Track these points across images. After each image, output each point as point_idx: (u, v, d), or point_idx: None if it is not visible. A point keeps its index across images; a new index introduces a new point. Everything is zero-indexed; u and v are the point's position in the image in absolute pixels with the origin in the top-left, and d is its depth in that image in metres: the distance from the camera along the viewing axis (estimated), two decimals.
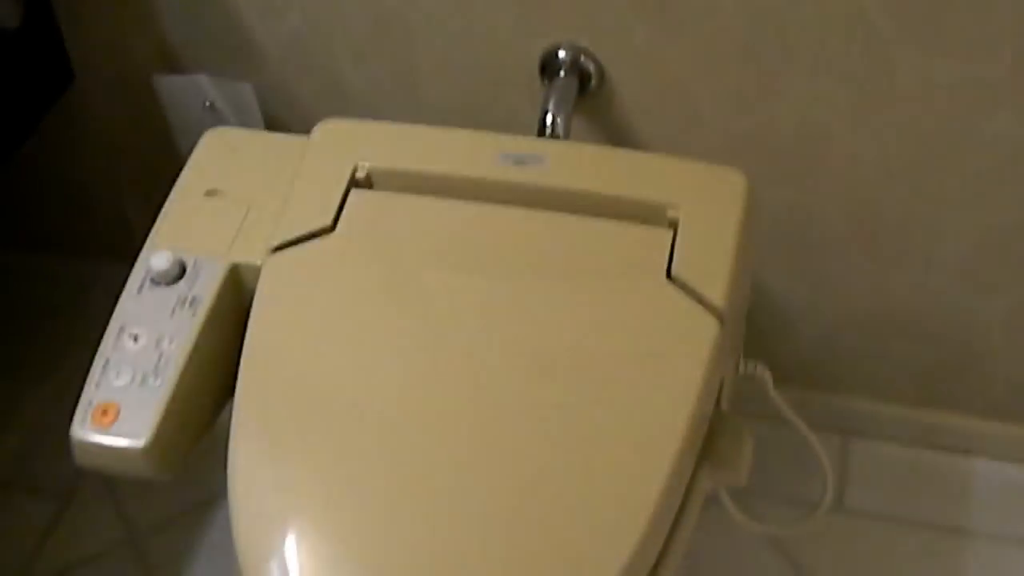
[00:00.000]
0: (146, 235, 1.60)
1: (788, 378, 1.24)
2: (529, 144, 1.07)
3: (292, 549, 0.85)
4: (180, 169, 1.50)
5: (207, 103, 1.40)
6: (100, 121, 1.50)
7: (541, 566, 0.85)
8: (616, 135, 1.27)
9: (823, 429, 1.45)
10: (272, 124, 1.39)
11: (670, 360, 0.92)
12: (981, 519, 1.45)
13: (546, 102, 1.20)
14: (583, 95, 1.24)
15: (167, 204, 1.08)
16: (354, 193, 1.04)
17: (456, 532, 0.86)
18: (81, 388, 1.43)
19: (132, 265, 1.60)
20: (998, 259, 1.30)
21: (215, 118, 1.41)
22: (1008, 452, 1.49)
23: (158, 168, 1.51)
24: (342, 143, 1.08)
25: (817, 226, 1.31)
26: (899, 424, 1.50)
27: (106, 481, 1.51)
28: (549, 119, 1.18)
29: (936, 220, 1.28)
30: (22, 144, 1.36)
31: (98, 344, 1.01)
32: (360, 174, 1.06)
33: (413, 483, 0.89)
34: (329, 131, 1.10)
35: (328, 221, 1.02)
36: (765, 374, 1.07)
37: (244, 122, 1.38)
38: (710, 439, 0.97)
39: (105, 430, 0.94)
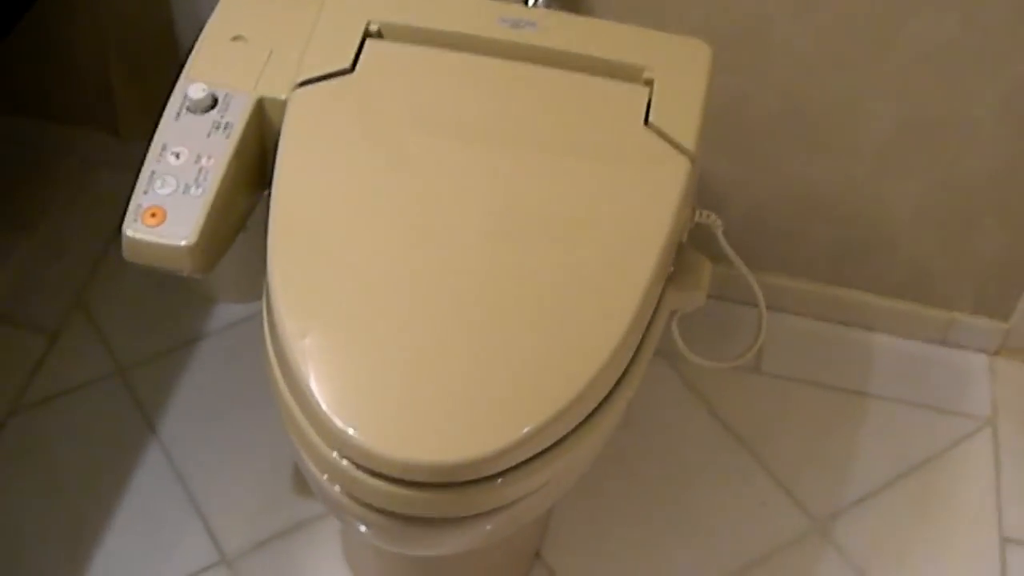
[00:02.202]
0: (127, 102, 1.71)
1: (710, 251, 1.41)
2: (524, 11, 1.21)
3: (322, 333, 1.00)
4: (170, 37, 1.61)
5: None
6: None
7: (540, 353, 1.00)
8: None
9: (742, 302, 1.63)
10: None
11: (650, 192, 1.08)
12: (878, 384, 1.65)
13: None
14: None
15: (196, 46, 1.20)
16: (370, 42, 1.18)
17: (460, 336, 1.01)
18: (61, 241, 1.55)
19: (110, 132, 1.70)
20: (912, 149, 1.47)
21: None
22: (906, 329, 1.68)
23: (148, 39, 1.61)
24: (357, 1, 1.22)
25: (753, 110, 1.47)
26: (811, 299, 1.68)
27: (93, 318, 1.63)
28: (530, 1, 1.32)
29: (860, 109, 1.44)
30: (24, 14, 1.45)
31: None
32: (373, 28, 1.19)
33: (416, 297, 1.03)
34: None
35: (348, 63, 1.16)
36: (716, 221, 1.23)
37: None
38: (676, 265, 1.13)
39: (154, 229, 1.07)
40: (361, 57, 1.16)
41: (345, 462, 0.96)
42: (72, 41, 1.66)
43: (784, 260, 1.64)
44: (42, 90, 1.75)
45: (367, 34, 1.19)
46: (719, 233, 1.23)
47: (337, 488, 0.99)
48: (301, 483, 1.45)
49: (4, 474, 1.48)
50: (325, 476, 0.99)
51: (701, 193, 1.54)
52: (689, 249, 1.14)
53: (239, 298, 1.63)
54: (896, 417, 1.61)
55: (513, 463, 0.96)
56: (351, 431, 0.94)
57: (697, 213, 1.21)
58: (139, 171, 1.11)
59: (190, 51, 1.20)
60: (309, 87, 1.14)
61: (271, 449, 1.49)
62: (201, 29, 1.22)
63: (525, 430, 0.95)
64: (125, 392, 1.56)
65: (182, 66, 1.19)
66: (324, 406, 0.95)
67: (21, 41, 1.63)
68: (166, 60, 1.65)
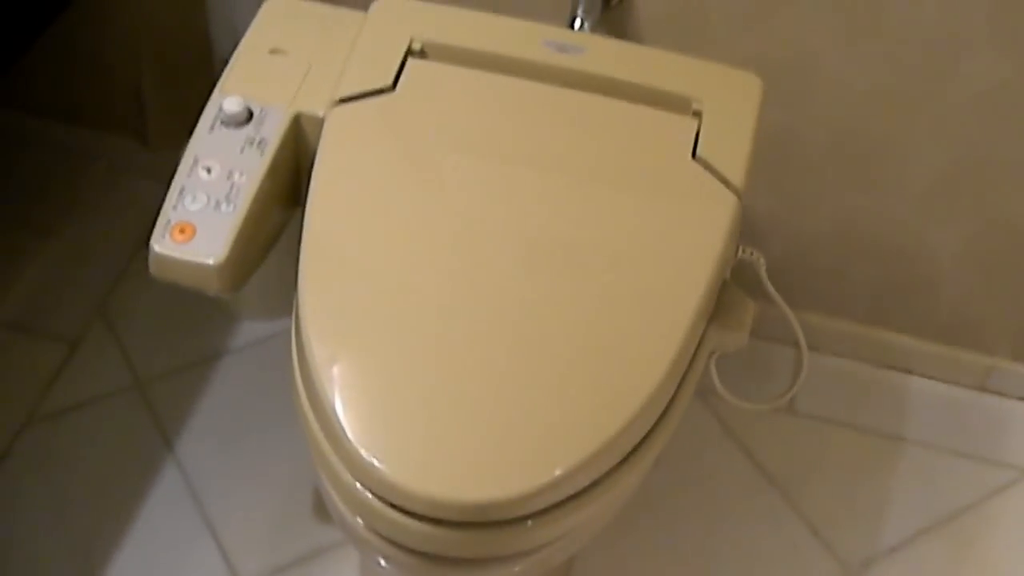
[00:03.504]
0: (157, 112, 1.69)
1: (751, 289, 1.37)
2: (571, 35, 1.19)
3: (352, 360, 0.96)
4: (205, 47, 1.58)
5: None
6: None
7: (577, 391, 0.97)
8: None
9: (780, 341, 1.60)
10: None
11: (696, 228, 1.05)
12: (915, 429, 1.60)
13: (575, 9, 1.30)
14: (607, 7, 1.34)
15: (233, 58, 1.17)
16: (412, 61, 1.15)
17: (493, 369, 0.97)
18: (85, 248, 1.52)
19: (138, 140, 1.68)
20: (960, 191, 1.43)
21: None
22: (945, 373, 1.63)
23: (182, 45, 1.59)
24: (400, 17, 1.19)
25: (798, 144, 1.44)
26: (849, 340, 1.64)
27: (113, 329, 1.59)
28: (577, 24, 1.29)
29: (908, 147, 1.41)
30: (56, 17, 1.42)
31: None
32: (416, 46, 1.16)
33: (450, 324, 1.00)
34: (387, 6, 1.20)
35: (388, 81, 1.13)
36: (759, 259, 1.19)
37: None
38: (717, 304, 1.09)
39: (182, 246, 1.04)
40: (402, 76, 1.13)
41: (368, 494, 0.93)
42: (104, 47, 1.64)
43: (823, 298, 1.60)
44: (72, 94, 1.73)
45: (410, 52, 1.15)
46: (762, 271, 1.20)
47: (359, 520, 0.95)
48: (320, 508, 1.41)
49: (18, 484, 1.45)
50: (347, 507, 0.96)
51: (743, 225, 1.51)
52: (732, 288, 1.10)
53: (264, 315, 1.60)
54: (933, 464, 1.57)
55: (544, 506, 0.92)
56: (375, 462, 0.91)
57: (740, 250, 1.17)
58: (169, 182, 1.08)
59: (225, 61, 1.17)
60: (348, 105, 1.11)
61: (290, 471, 1.46)
62: (237, 39, 1.19)
63: (557, 472, 0.92)
64: (143, 406, 1.53)
65: (216, 76, 1.16)
66: (350, 435, 0.92)
67: (53, 44, 1.61)
68: (200, 69, 1.63)
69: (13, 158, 1.77)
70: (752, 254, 1.18)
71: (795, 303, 1.58)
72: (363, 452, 0.91)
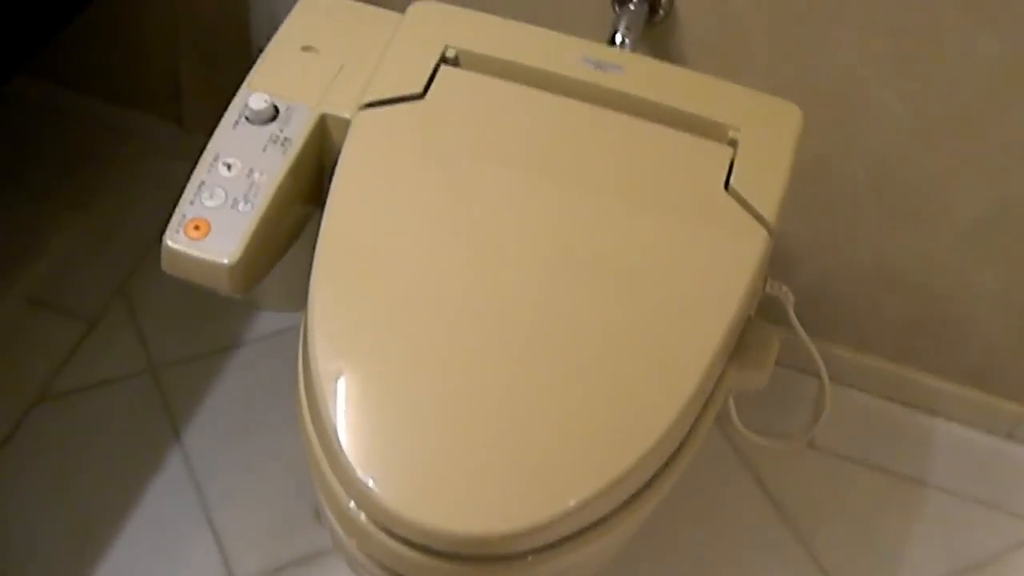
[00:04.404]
0: (194, 95, 1.68)
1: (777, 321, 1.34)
2: (610, 52, 1.15)
3: (359, 375, 0.94)
4: (243, 34, 1.56)
5: None
6: None
7: (587, 425, 0.93)
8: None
9: (804, 371, 1.56)
10: None
11: (722, 262, 1.01)
12: (939, 474, 1.56)
13: (617, 23, 1.27)
14: (649, 23, 1.32)
15: (264, 53, 1.15)
16: (444, 69, 1.12)
17: (501, 391, 0.94)
18: (112, 227, 1.51)
19: (174, 121, 1.67)
20: (1000, 233, 1.39)
21: None
22: (971, 418, 1.59)
23: (222, 31, 1.57)
24: (435, 23, 1.16)
25: (835, 174, 1.40)
26: (876, 376, 1.60)
27: (132, 311, 1.58)
28: (619, 39, 1.26)
29: (950, 186, 1.37)
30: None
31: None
32: (450, 53, 1.13)
33: (464, 342, 0.97)
34: (424, 10, 1.17)
35: (419, 88, 1.10)
36: (788, 295, 1.16)
37: None
38: (740, 341, 1.06)
39: (196, 243, 1.02)
40: (434, 83, 1.10)
41: (363, 515, 0.90)
42: (146, 28, 1.63)
43: (851, 333, 1.56)
44: (113, 72, 1.72)
45: (443, 59, 1.12)
46: (790, 308, 1.16)
47: (353, 542, 0.92)
48: None
49: (23, 460, 1.43)
50: (341, 526, 0.93)
51: (772, 254, 1.48)
52: (757, 324, 1.07)
53: (284, 307, 1.58)
54: (953, 511, 1.53)
55: (545, 542, 0.90)
56: (370, 483, 0.88)
57: (768, 284, 1.14)
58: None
59: (261, 51, 1.14)
60: (375, 109, 1.08)
61: (297, 470, 1.43)
62: (275, 29, 1.17)
63: (561, 507, 0.89)
64: (154, 392, 1.51)
65: (252, 65, 1.13)
66: (347, 452, 0.90)
67: (93, 21, 1.59)
68: (238, 56, 1.61)
69: (51, 130, 1.76)
70: (781, 289, 1.15)
71: (822, 334, 1.55)
72: (359, 472, 0.89)
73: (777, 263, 1.49)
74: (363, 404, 0.92)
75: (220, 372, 1.55)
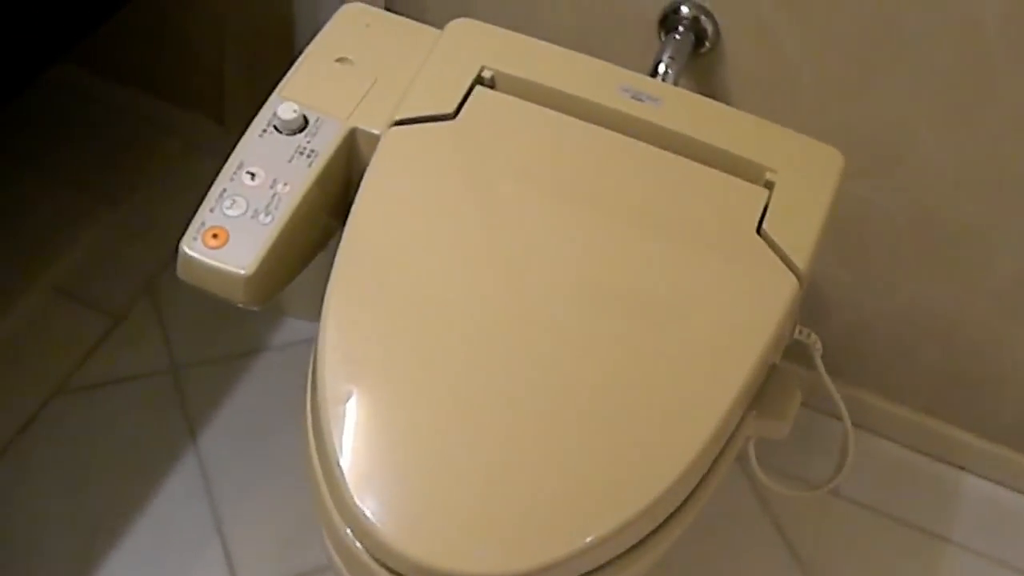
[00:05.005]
0: (237, 95, 1.67)
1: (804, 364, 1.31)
2: (649, 83, 1.12)
3: (367, 400, 0.92)
4: (288, 38, 1.55)
5: None
6: None
7: (597, 464, 0.91)
8: (716, 99, 1.32)
9: (831, 415, 1.53)
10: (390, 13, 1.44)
11: (748, 308, 0.99)
12: (964, 532, 1.52)
13: (661, 52, 1.25)
14: (695, 54, 1.29)
15: (298, 62, 1.13)
16: (478, 90, 1.10)
17: (510, 424, 0.92)
18: (146, 222, 1.50)
19: (215, 120, 1.66)
20: None
21: None
22: (1002, 476, 1.55)
23: (267, 33, 1.56)
24: (473, 42, 1.14)
25: (876, 220, 1.37)
26: (904, 427, 1.56)
27: (158, 309, 1.57)
28: (662, 68, 1.23)
29: (993, 240, 1.33)
30: None
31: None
32: (486, 74, 1.11)
33: (479, 371, 0.95)
34: (463, 28, 1.15)
35: (451, 108, 1.08)
36: (816, 343, 1.13)
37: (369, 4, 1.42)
38: (761, 390, 1.03)
39: (213, 251, 1.00)
40: (467, 104, 1.08)
41: (359, 545, 0.88)
42: (188, 25, 1.62)
43: (883, 381, 1.53)
44: (156, 68, 1.72)
45: (479, 80, 1.10)
46: (817, 357, 1.13)
47: (348, 572, 0.90)
48: None
49: (38, 452, 1.43)
50: (336, 553, 0.91)
51: (808, 293, 1.44)
52: (781, 373, 1.04)
53: (311, 315, 1.56)
54: (976, 571, 1.49)
55: None
56: (368, 513, 0.86)
57: (797, 330, 1.11)
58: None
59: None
60: (406, 127, 1.06)
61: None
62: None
63: (567, 550, 0.86)
64: (174, 392, 1.50)
65: None
66: (347, 479, 0.88)
67: (141, 17, 1.60)
68: (281, 59, 1.59)
69: (92, 121, 1.76)
70: (809, 336, 1.12)
71: (854, 379, 1.52)
72: (356, 500, 0.87)
73: (813, 305, 1.47)
74: (368, 430, 0.90)
75: (242, 377, 1.53)
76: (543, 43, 1.14)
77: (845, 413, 1.22)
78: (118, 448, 1.44)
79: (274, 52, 1.62)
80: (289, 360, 1.56)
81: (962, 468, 1.57)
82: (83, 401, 1.48)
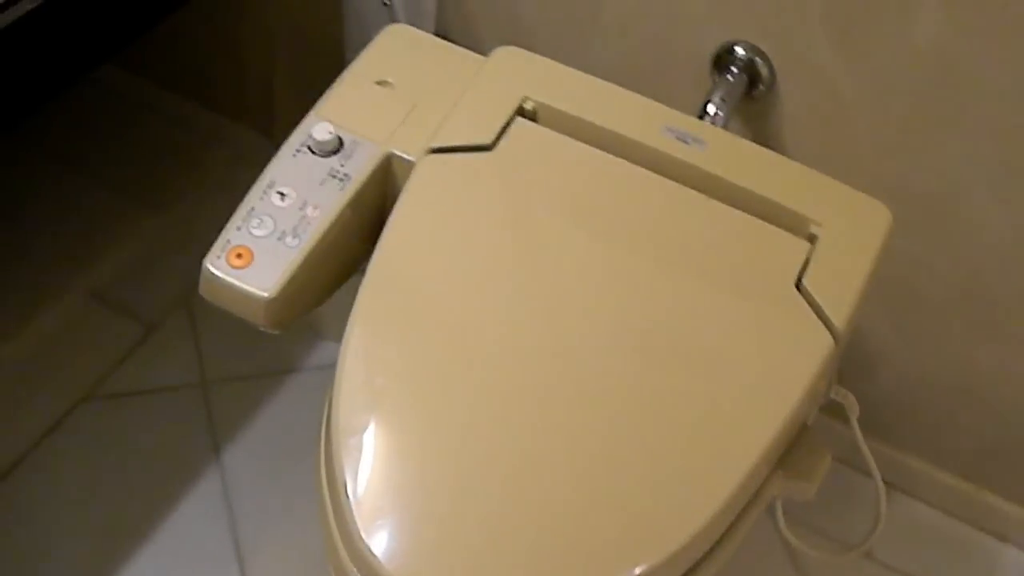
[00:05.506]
0: (286, 109, 1.66)
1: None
2: (695, 125, 1.09)
3: (380, 433, 0.89)
4: (338, 54, 1.54)
5: (387, 1, 1.43)
6: None
7: (607, 522, 0.88)
8: (766, 143, 1.29)
9: (865, 473, 1.48)
10: (439, 37, 1.42)
11: (779, 365, 0.95)
12: None
13: (713, 92, 1.22)
14: (747, 96, 1.26)
15: (337, 82, 1.11)
16: (518, 122, 1.07)
17: (528, 466, 0.89)
18: (188, 232, 1.49)
19: (264, 133, 1.65)
20: None
21: (389, 16, 1.44)
22: None
23: (317, 49, 1.55)
24: (517, 71, 1.11)
25: (926, 280, 1.33)
26: (945, 492, 1.52)
27: (193, 321, 1.55)
28: (711, 109, 1.20)
29: None
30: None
31: (231, 193, 1.03)
32: (528, 105, 1.08)
33: (500, 408, 0.92)
34: (508, 56, 1.13)
35: (489, 139, 1.05)
36: (853, 404, 1.09)
37: (417, 27, 1.40)
38: (790, 449, 0.99)
39: (236, 271, 0.98)
40: (505, 136, 1.06)
41: None
42: (241, 37, 1.61)
43: (924, 444, 1.49)
44: (207, 77, 1.71)
45: (520, 111, 1.08)
46: (853, 418, 1.09)
47: None
48: None
49: (59, 458, 1.41)
50: None
51: (849, 352, 1.41)
52: (812, 433, 1.00)
53: None
54: None
55: None
56: (379, 554, 0.84)
57: (833, 390, 1.07)
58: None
59: None
60: (441, 155, 1.04)
61: None
62: None
63: None
64: (202, 407, 1.49)
65: None
66: (355, 513, 0.85)
67: (194, 25, 1.59)
68: (331, 74, 1.58)
69: (140, 126, 1.75)
70: (847, 397, 1.08)
71: (894, 440, 1.49)
72: (363, 535, 0.84)
73: (857, 361, 1.43)
74: (380, 465, 0.87)
75: (273, 396, 1.51)
76: (588, 76, 1.11)
77: (877, 475, 1.18)
78: (140, 459, 1.43)
79: (324, 68, 1.60)
80: (322, 383, 1.53)
81: (1003, 538, 1.52)
82: (109, 409, 1.47)
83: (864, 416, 1.37)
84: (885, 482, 1.48)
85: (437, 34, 1.39)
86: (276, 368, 1.54)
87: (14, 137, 1.66)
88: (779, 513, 1.15)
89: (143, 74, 1.75)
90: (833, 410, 1.15)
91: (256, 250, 0.99)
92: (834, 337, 0.96)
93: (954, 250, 1.28)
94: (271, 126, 1.70)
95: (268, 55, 1.61)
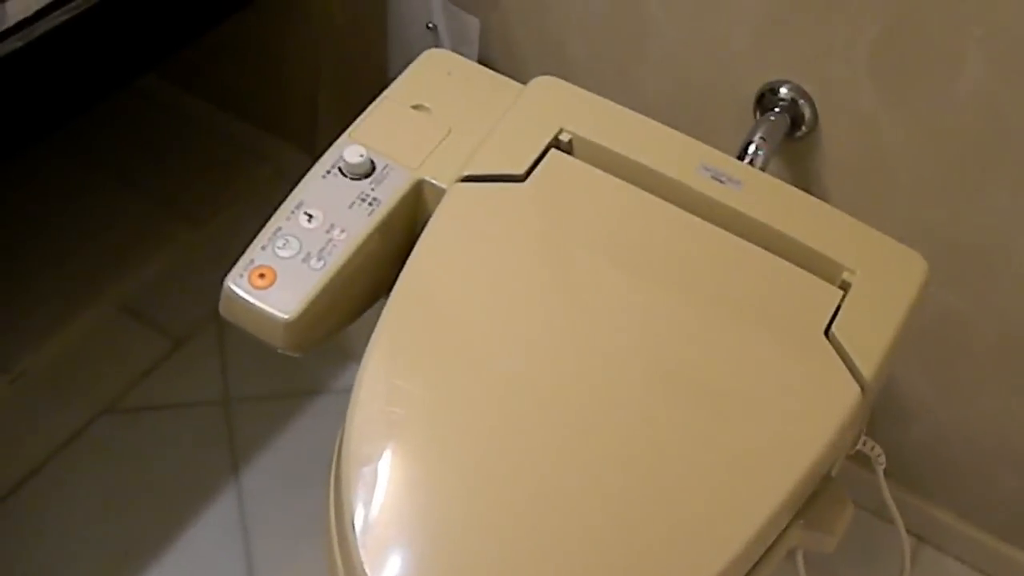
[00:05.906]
0: (329, 127, 1.65)
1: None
2: (732, 165, 1.07)
3: (392, 465, 0.87)
4: (382, 75, 1.53)
5: (431, 24, 1.43)
6: (322, 7, 1.52)
7: (618, 566, 0.85)
8: (806, 186, 1.27)
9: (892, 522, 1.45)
10: (482, 64, 1.41)
11: (804, 413, 0.93)
12: None
13: (754, 132, 1.20)
14: (789, 137, 1.24)
15: (373, 104, 1.10)
16: (553, 153, 1.06)
17: (543, 507, 0.87)
18: (224, 248, 1.48)
19: (306, 151, 1.64)
20: None
21: (433, 40, 1.43)
22: None
23: (361, 70, 1.54)
24: (555, 102, 1.10)
25: (965, 334, 1.30)
26: (977, 550, 1.48)
27: (221, 338, 1.54)
28: (752, 148, 1.18)
29: None
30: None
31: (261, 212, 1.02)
32: (563, 137, 1.07)
33: (518, 445, 0.90)
34: (546, 86, 1.12)
35: (522, 170, 1.04)
36: (880, 457, 1.06)
37: (460, 53, 1.39)
38: (812, 499, 0.97)
39: (257, 292, 0.97)
40: (539, 167, 1.04)
41: None
42: (285, 55, 1.61)
43: (957, 498, 1.45)
44: (251, 93, 1.71)
45: (556, 142, 1.06)
46: (880, 470, 1.07)
47: None
48: None
49: (76, 469, 1.41)
50: None
51: (883, 402, 1.38)
52: (835, 484, 0.98)
53: None
54: None
55: None
56: None
57: (861, 441, 1.05)
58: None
59: None
60: (472, 184, 1.02)
61: None
62: None
63: None
64: (223, 425, 1.47)
65: None
66: (360, 550, 0.83)
67: (237, 40, 1.58)
68: (374, 97, 1.58)
69: (182, 139, 1.75)
70: (873, 449, 1.05)
71: (926, 494, 1.46)
72: (367, 570, 0.82)
73: (890, 411, 1.40)
74: (390, 498, 0.85)
75: (296, 418, 1.50)
76: (626, 110, 1.10)
77: (903, 530, 1.15)
78: (158, 475, 1.42)
79: (368, 87, 1.59)
80: (347, 407, 1.52)
81: None
82: (130, 423, 1.46)
83: (897, 467, 1.36)
84: (916, 535, 1.46)
85: (480, 60, 1.38)
86: (302, 389, 1.52)
87: (56, 145, 1.66)
88: (800, 563, 1.12)
89: (188, 87, 1.76)
90: (861, 459, 1.13)
91: (279, 271, 0.98)
92: (862, 388, 0.94)
93: (996, 303, 1.25)
94: (313, 144, 1.70)
95: (313, 73, 1.61)
